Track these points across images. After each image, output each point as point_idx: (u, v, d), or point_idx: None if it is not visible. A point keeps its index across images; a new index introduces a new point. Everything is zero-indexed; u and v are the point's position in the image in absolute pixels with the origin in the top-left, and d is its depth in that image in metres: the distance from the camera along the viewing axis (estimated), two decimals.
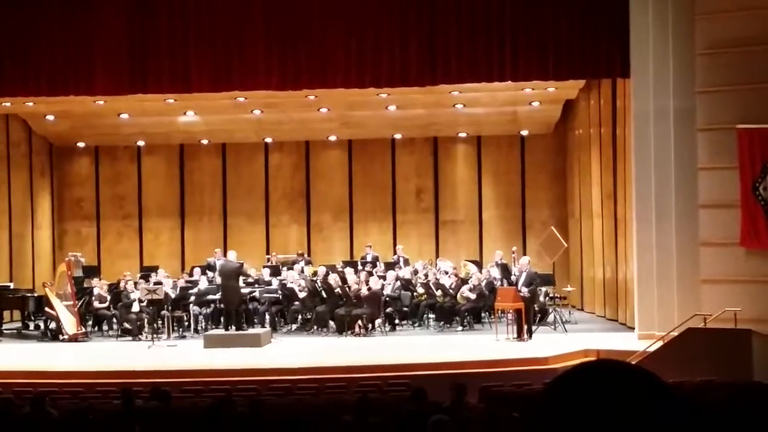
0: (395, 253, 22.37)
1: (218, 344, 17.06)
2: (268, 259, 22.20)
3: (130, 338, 18.60)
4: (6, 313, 20.59)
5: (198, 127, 23.57)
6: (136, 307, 18.72)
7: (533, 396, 10.72)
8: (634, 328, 17.42)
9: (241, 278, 19.03)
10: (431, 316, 19.71)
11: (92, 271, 21.78)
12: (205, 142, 24.31)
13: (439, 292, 19.31)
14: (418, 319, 19.69)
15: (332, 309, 18.85)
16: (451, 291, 19.15)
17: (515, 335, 17.55)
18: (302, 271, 20.31)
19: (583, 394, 1.78)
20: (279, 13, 17.87)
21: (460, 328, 19.04)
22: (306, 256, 22.47)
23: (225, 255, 19.95)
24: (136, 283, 19.36)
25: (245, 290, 19.00)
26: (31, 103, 20.96)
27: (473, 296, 18.94)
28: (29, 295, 20.17)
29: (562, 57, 17.48)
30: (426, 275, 20.23)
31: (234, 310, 18.00)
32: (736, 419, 8.08)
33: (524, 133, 23.65)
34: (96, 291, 19.51)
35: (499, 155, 24.05)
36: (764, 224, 15.47)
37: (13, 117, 22.71)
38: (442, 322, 19.19)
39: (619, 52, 17.24)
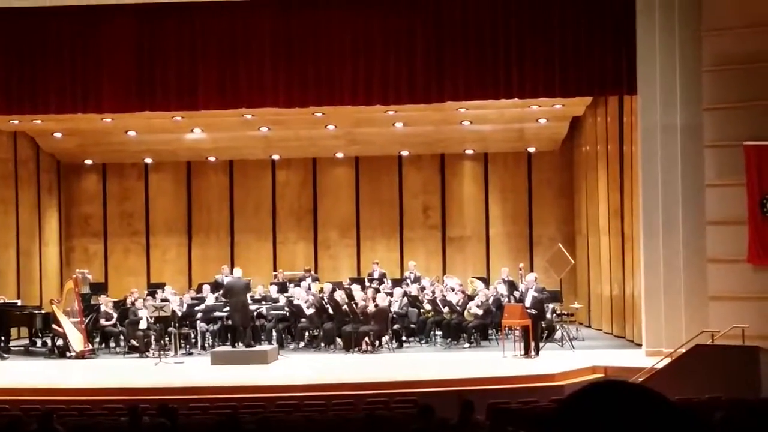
0: (406, 269, 22.34)
1: (225, 361, 17.07)
2: (275, 276, 22.20)
3: (137, 355, 18.58)
4: (13, 330, 20.59)
5: (205, 144, 23.62)
6: (143, 324, 18.72)
7: (541, 413, 10.69)
8: (641, 345, 17.38)
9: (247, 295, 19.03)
10: (438, 333, 19.67)
11: (99, 288, 21.80)
12: (212, 159, 24.35)
13: (446, 309, 19.28)
14: (425, 336, 19.66)
15: (339, 326, 18.83)
16: (458, 308, 19.12)
17: (522, 352, 17.51)
18: (309, 288, 20.31)
19: (593, 415, 1.78)
20: (286, 31, 17.91)
21: (467, 344, 19.02)
22: (313, 272, 22.45)
23: (232, 272, 19.94)
24: (143, 300, 19.35)
25: (252, 307, 19.00)
26: (38, 121, 21.04)
27: (480, 313, 18.92)
28: (36, 312, 20.15)
29: (569, 74, 17.50)
30: (433, 292, 20.20)
31: (245, 327, 18.05)
32: None
33: (531, 149, 23.65)
34: (103, 308, 19.52)
35: (506, 172, 24.05)
36: None
37: (20, 134, 22.79)
38: (449, 339, 19.16)
39: (625, 69, 17.25)
